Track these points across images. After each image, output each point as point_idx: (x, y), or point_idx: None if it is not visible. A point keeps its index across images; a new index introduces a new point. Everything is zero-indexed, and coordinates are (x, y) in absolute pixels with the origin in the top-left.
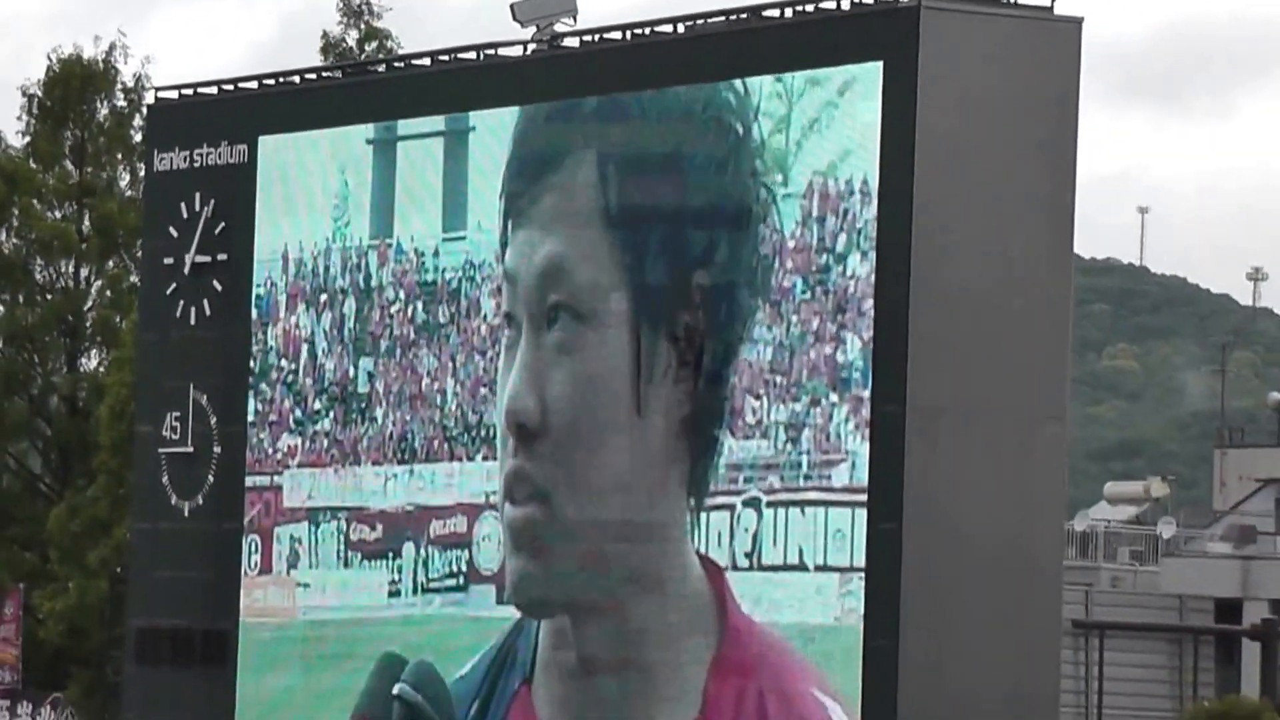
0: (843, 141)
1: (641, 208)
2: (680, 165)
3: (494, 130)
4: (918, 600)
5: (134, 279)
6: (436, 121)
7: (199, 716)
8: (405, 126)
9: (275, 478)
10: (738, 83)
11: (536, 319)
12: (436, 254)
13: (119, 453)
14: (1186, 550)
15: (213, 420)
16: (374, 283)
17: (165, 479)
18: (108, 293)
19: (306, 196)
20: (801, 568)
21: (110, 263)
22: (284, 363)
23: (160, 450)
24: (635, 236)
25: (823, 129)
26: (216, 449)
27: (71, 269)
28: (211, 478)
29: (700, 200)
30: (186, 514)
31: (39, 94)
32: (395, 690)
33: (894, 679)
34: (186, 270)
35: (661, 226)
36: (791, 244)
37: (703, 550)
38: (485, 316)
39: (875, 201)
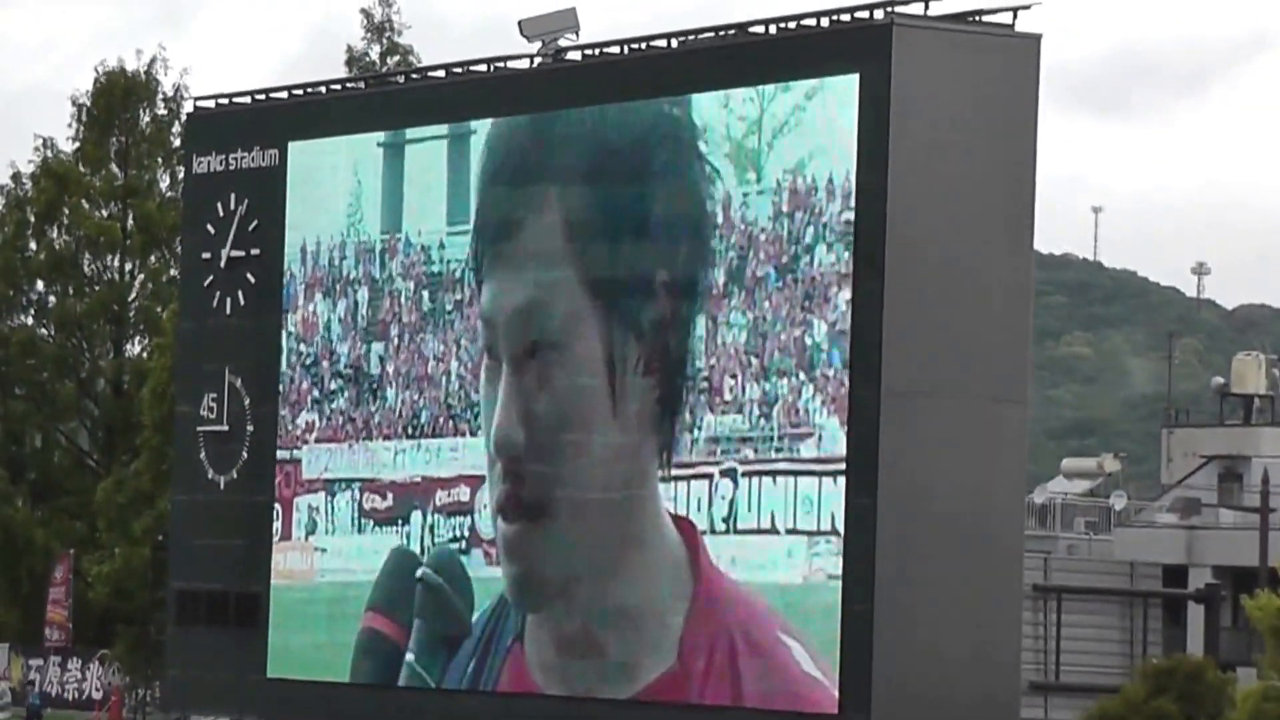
0: (810, 143)
1: (603, 233)
2: (639, 177)
3: (492, 133)
4: (891, 567)
5: (174, 272)
6: (442, 126)
7: (234, 670)
8: (415, 131)
9: (295, 452)
10: (681, 98)
11: (518, 356)
12: (442, 246)
13: (160, 431)
14: (1136, 521)
15: (246, 401)
16: (384, 273)
17: (203, 455)
18: (149, 285)
19: (325, 195)
20: (773, 531)
21: (152, 257)
22: (303, 347)
23: (198, 429)
24: (601, 260)
25: (791, 131)
26: (249, 428)
27: (116, 263)
28: (245, 454)
29: (659, 207)
30: (222, 487)
31: (87, 103)
32: (418, 574)
33: (869, 638)
34: (222, 264)
35: (624, 241)
36: (763, 237)
37: (680, 514)
38: None
39: (841, 198)
